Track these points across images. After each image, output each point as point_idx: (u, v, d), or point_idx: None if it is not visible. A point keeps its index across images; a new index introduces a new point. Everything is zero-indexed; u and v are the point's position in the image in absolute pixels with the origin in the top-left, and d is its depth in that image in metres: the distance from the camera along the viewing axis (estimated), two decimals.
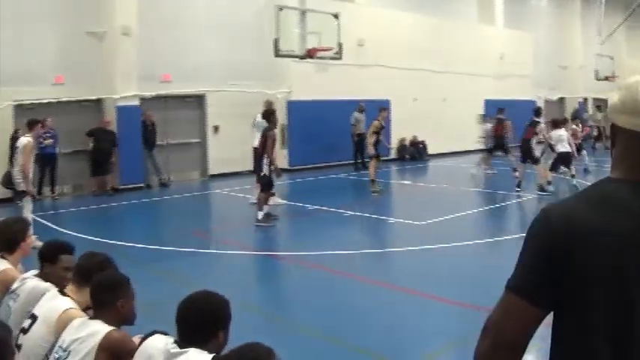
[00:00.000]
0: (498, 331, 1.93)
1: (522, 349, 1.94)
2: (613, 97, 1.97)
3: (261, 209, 12.03)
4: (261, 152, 12.22)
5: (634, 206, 1.83)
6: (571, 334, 1.91)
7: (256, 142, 13.62)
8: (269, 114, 12.43)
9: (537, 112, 16.32)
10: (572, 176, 15.65)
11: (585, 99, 35.77)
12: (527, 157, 15.70)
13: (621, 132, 1.93)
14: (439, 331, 6.56)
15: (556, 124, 16.34)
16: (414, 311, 7.24)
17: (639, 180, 1.88)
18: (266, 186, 12.17)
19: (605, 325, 1.82)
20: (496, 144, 18.07)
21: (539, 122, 15.89)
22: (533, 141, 15.75)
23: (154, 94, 17.33)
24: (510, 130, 17.79)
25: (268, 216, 12.11)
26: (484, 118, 21.03)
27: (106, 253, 4.13)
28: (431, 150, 24.74)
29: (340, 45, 16.95)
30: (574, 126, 18.89)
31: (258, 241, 11.51)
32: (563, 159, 15.80)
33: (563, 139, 15.78)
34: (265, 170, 11.99)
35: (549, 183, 15.56)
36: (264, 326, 6.76)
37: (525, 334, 1.92)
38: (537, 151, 15.92)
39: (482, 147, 19.62)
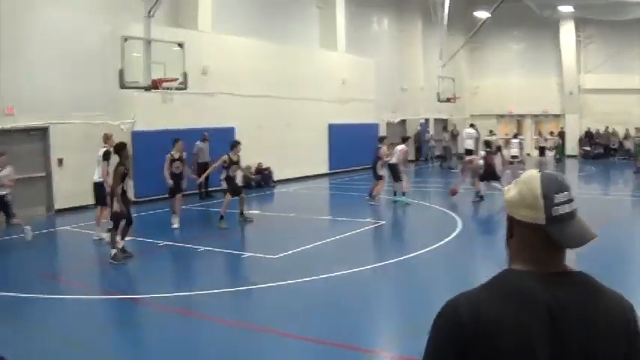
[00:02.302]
0: None
1: None
2: (510, 192, 2.13)
3: (113, 247, 12.76)
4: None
5: (536, 298, 1.97)
6: None
7: (96, 177, 14.85)
8: (119, 148, 13.14)
9: (380, 139, 21.29)
10: (402, 194, 20.17)
11: (427, 120, 38.97)
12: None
13: (520, 225, 2.08)
14: None
15: (403, 140, 21.36)
16: (270, 350, 7.97)
17: (539, 271, 2.02)
18: (116, 222, 12.85)
19: None
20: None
21: (380, 147, 20.40)
22: (379, 163, 20.17)
23: None
24: (385, 155, 20.86)
25: (123, 252, 12.93)
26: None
27: None
28: (277, 176, 26.43)
29: (185, 75, 18.27)
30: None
31: (110, 283, 11.94)
32: (392, 169, 20.16)
33: (396, 152, 20.29)
34: (116, 207, 12.75)
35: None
36: None
37: None
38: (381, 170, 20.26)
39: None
